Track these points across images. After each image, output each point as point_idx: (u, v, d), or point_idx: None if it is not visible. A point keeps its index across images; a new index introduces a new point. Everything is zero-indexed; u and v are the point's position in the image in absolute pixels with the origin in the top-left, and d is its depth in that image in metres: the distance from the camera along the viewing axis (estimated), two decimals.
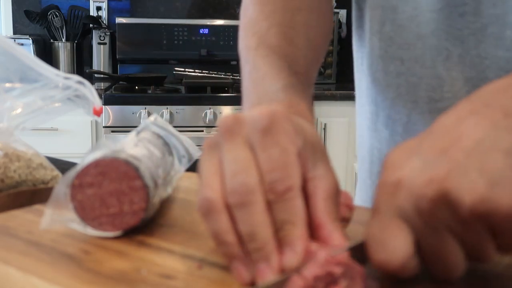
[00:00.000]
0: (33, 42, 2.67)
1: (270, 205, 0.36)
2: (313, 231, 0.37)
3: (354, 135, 2.79)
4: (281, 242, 0.36)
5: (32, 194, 0.62)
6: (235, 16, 2.96)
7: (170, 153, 0.55)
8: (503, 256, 0.36)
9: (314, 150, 0.40)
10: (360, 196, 0.75)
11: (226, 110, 2.41)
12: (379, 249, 0.35)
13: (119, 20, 2.78)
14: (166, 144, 0.55)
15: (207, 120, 2.38)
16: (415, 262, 0.35)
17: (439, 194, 0.33)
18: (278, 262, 0.35)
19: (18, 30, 2.85)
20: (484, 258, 0.35)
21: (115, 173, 0.43)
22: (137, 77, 2.75)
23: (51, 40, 2.77)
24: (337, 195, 0.39)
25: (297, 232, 0.36)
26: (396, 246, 0.34)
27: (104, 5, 2.85)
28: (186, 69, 2.73)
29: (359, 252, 0.36)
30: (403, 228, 0.35)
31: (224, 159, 0.38)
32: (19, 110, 0.66)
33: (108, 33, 2.79)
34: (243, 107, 0.56)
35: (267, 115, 0.38)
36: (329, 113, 2.50)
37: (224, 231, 0.36)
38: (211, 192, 0.37)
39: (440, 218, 0.33)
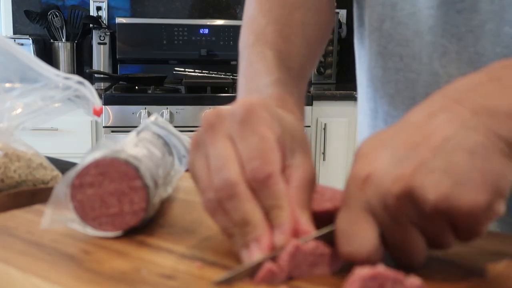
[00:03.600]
0: (33, 42, 2.67)
1: (255, 192, 0.39)
2: None
3: (354, 135, 2.79)
4: (271, 224, 0.39)
5: (32, 194, 0.62)
6: (235, 16, 2.96)
7: (170, 153, 0.55)
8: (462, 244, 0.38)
9: (292, 139, 0.41)
10: None
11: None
12: (347, 242, 0.37)
13: (119, 20, 2.78)
14: (166, 144, 0.55)
15: None
16: (380, 253, 0.37)
17: (405, 191, 0.35)
18: (267, 243, 0.38)
19: (18, 30, 2.85)
20: (444, 246, 0.37)
21: (115, 173, 0.43)
22: (137, 77, 2.75)
23: (51, 40, 2.77)
24: (310, 184, 0.41)
25: (284, 214, 0.38)
26: (362, 240, 0.36)
27: (104, 5, 2.84)
28: (186, 69, 2.73)
29: (328, 239, 0.39)
30: (369, 222, 0.36)
31: (209, 155, 0.40)
32: (19, 110, 0.66)
33: (108, 33, 2.79)
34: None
35: (244, 106, 0.40)
36: (329, 113, 2.50)
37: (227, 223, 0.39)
38: (208, 190, 0.39)
39: (405, 213, 0.35)
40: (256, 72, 0.57)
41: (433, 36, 0.59)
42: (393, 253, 0.38)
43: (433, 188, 0.34)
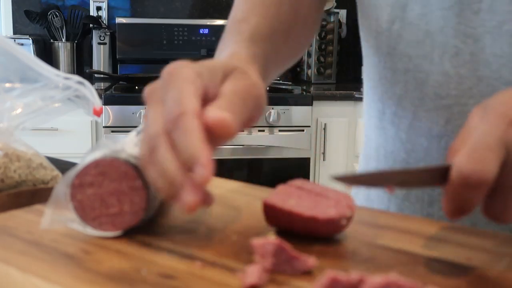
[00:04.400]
0: (33, 42, 2.67)
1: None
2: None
3: (354, 135, 2.79)
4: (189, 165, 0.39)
5: (32, 194, 0.62)
6: None
7: None
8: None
9: (224, 73, 0.45)
10: (363, 196, 0.75)
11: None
12: (478, 161, 0.38)
13: (119, 20, 2.78)
14: None
15: None
16: (486, 192, 0.38)
17: None
18: (191, 183, 0.39)
19: (18, 30, 2.85)
20: None
21: (115, 173, 0.44)
22: (137, 77, 2.75)
23: (51, 40, 2.77)
24: (244, 91, 0.44)
25: (196, 146, 0.39)
26: (494, 165, 0.38)
27: (104, 5, 2.85)
28: None
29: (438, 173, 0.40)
30: (501, 156, 0.38)
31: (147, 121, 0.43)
32: (19, 110, 0.66)
33: (108, 33, 2.79)
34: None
35: (167, 70, 0.44)
36: (329, 113, 2.50)
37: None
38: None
39: None
40: (224, 43, 0.63)
41: (444, 37, 0.59)
42: (493, 199, 0.39)
43: None
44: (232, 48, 0.57)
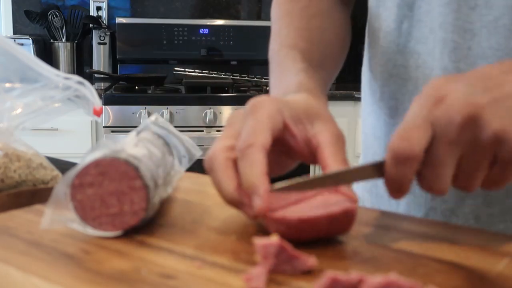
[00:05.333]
0: (33, 42, 2.67)
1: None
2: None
3: (354, 135, 2.79)
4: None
5: (32, 194, 0.62)
6: (235, 16, 2.96)
7: (170, 153, 0.55)
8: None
9: (307, 115, 0.50)
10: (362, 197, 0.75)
11: (226, 110, 2.41)
12: (404, 139, 0.42)
13: (119, 20, 2.78)
14: (166, 144, 0.55)
15: (207, 120, 2.38)
16: (416, 167, 0.42)
17: (474, 115, 0.41)
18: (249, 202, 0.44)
19: (18, 30, 2.85)
20: (470, 185, 0.43)
21: (115, 173, 0.44)
22: (137, 77, 2.75)
23: (51, 40, 2.77)
24: (338, 140, 0.49)
25: (256, 178, 0.44)
26: (419, 141, 0.41)
27: (104, 5, 2.85)
28: (186, 69, 2.73)
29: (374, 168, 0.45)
30: (428, 132, 0.42)
31: None
32: (19, 110, 0.66)
33: (108, 33, 2.79)
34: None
35: (251, 102, 0.49)
36: None
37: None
38: None
39: (463, 134, 0.41)
40: (284, 68, 0.65)
41: (444, 32, 0.60)
42: (424, 172, 0.43)
43: (498, 119, 0.40)
44: (297, 78, 0.60)
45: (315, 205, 0.45)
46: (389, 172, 0.43)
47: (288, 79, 0.61)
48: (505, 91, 0.42)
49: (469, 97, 0.41)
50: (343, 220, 0.44)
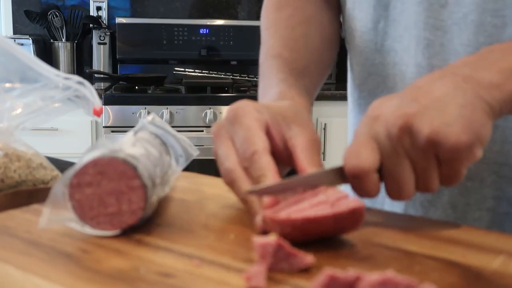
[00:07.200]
0: (33, 42, 2.67)
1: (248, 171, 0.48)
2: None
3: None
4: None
5: (30, 194, 0.62)
6: (235, 16, 2.96)
7: (167, 153, 0.55)
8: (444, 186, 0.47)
9: (284, 117, 0.52)
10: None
11: (226, 110, 2.40)
12: (353, 157, 0.45)
13: (119, 20, 2.78)
14: (163, 143, 0.55)
15: (207, 120, 2.38)
16: (376, 177, 0.46)
17: (407, 124, 0.44)
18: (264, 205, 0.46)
19: (18, 30, 2.85)
20: (429, 186, 0.46)
21: (113, 172, 0.44)
22: (137, 77, 2.75)
23: (51, 40, 2.77)
24: (312, 144, 0.51)
25: (269, 179, 0.46)
26: (367, 156, 0.45)
27: (104, 5, 2.85)
28: (186, 69, 2.73)
29: (338, 173, 0.47)
30: (374, 147, 0.45)
31: (217, 155, 0.51)
32: (19, 110, 0.67)
33: (108, 33, 2.79)
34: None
35: (232, 109, 0.51)
36: (329, 113, 2.50)
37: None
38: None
39: (403, 144, 0.44)
40: (267, 80, 0.68)
41: (417, 30, 0.62)
42: (387, 184, 0.46)
43: (428, 124, 0.43)
44: (278, 88, 0.63)
45: (318, 203, 0.44)
46: (352, 185, 0.47)
47: (271, 90, 0.64)
48: (432, 97, 0.45)
49: (399, 109, 0.45)
50: (351, 219, 0.43)
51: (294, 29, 0.72)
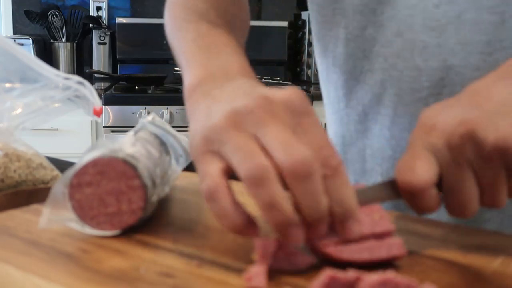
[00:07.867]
0: (33, 42, 2.67)
1: (325, 179, 0.38)
2: None
3: None
4: (336, 215, 0.38)
5: (30, 194, 0.62)
6: None
7: (167, 153, 0.55)
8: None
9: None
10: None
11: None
12: (408, 172, 0.41)
13: (119, 20, 2.78)
14: (163, 143, 0.55)
15: None
16: (435, 193, 0.41)
17: (469, 132, 0.40)
18: (341, 231, 0.39)
19: (18, 30, 2.85)
20: (497, 201, 0.41)
21: (113, 172, 0.44)
22: (137, 77, 2.75)
23: (51, 40, 2.77)
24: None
25: (353, 202, 0.38)
26: (423, 171, 0.40)
27: (104, 5, 2.85)
28: None
29: (390, 188, 0.43)
30: (431, 160, 0.41)
31: (269, 139, 0.38)
32: (19, 110, 0.67)
33: (108, 33, 2.79)
34: (188, 68, 0.55)
35: (299, 96, 0.42)
36: None
37: (282, 199, 0.36)
38: (262, 163, 0.37)
39: (466, 154, 0.40)
40: (212, 43, 0.58)
41: (413, 33, 0.61)
42: (448, 200, 0.41)
43: (494, 130, 0.39)
44: (236, 60, 0.54)
45: (364, 248, 0.40)
46: (410, 204, 0.42)
47: (225, 57, 0.54)
48: (495, 101, 0.42)
49: (458, 116, 0.41)
50: (387, 260, 0.40)
51: (224, 3, 0.70)
